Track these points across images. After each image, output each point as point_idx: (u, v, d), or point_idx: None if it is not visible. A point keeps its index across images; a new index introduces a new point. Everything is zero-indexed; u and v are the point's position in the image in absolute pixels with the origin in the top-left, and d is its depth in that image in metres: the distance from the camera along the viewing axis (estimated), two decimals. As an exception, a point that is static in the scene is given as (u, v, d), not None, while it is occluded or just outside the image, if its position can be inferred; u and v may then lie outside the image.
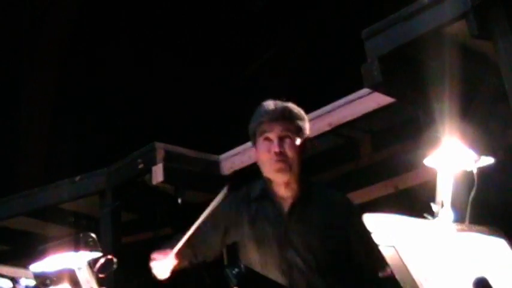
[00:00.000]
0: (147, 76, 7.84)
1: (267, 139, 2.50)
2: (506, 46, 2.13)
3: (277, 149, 2.46)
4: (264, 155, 2.51)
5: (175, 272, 2.53)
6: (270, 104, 2.56)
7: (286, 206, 2.50)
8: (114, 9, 8.08)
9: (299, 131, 2.51)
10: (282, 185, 2.51)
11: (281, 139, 2.48)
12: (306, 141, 2.54)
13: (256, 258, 2.46)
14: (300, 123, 2.53)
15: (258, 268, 2.42)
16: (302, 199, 2.50)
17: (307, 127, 2.56)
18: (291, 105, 2.56)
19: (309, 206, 2.50)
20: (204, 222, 2.51)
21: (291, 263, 2.42)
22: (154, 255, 2.56)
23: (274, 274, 2.41)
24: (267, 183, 2.55)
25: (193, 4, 7.76)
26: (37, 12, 8.35)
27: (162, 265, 2.53)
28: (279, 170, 2.47)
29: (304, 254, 2.41)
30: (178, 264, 2.54)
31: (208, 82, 7.30)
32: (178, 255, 2.51)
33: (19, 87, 8.43)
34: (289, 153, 2.47)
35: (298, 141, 2.49)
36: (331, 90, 3.84)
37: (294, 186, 2.51)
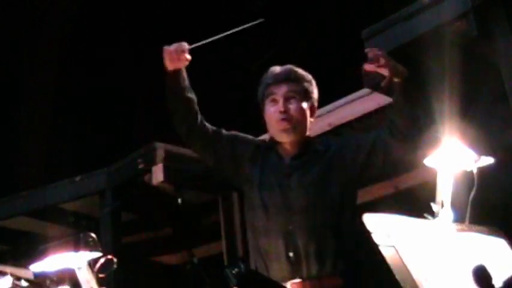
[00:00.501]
0: (147, 76, 7.84)
1: (273, 100, 2.55)
2: (506, 46, 2.13)
3: (282, 108, 2.50)
4: (270, 115, 2.55)
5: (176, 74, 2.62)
6: (276, 68, 2.63)
7: (288, 156, 2.53)
8: (114, 9, 8.07)
9: (306, 93, 2.55)
10: (287, 144, 2.54)
11: (286, 99, 2.52)
12: (313, 104, 2.58)
13: (259, 203, 2.48)
14: (306, 85, 2.56)
15: (260, 212, 2.47)
16: (304, 152, 2.53)
17: (314, 90, 2.59)
18: (297, 68, 2.60)
19: (310, 159, 2.52)
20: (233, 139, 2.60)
21: (290, 207, 2.44)
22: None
23: (274, 221, 2.44)
24: (273, 141, 2.59)
25: (193, 4, 7.76)
26: (37, 12, 8.35)
27: (174, 52, 2.65)
28: (283, 130, 2.51)
29: (301, 198, 2.44)
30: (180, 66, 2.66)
31: (208, 82, 7.30)
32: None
33: (19, 87, 8.42)
34: (294, 113, 2.50)
35: (304, 103, 2.52)
36: (331, 90, 3.83)
37: (298, 146, 2.53)
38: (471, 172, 2.27)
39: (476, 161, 2.26)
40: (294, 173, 2.50)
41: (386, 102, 3.31)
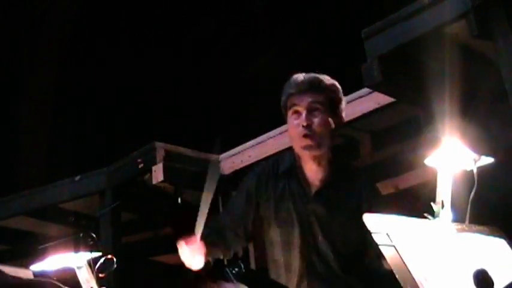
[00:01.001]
0: (147, 76, 7.84)
1: (296, 112, 2.37)
2: (506, 46, 2.13)
3: (304, 122, 2.31)
4: (292, 129, 2.39)
5: (210, 262, 2.38)
6: (299, 76, 2.43)
7: (313, 188, 2.37)
8: (114, 9, 8.07)
9: (331, 104, 2.38)
10: (311, 161, 2.37)
11: (310, 112, 2.34)
12: (340, 115, 2.40)
13: (278, 239, 2.36)
14: (331, 95, 2.39)
15: (278, 249, 2.35)
16: (331, 183, 2.36)
17: (342, 101, 2.42)
18: (322, 76, 2.42)
19: (338, 191, 2.36)
20: (234, 199, 2.45)
21: (310, 246, 2.33)
22: (179, 243, 2.34)
23: (294, 255, 2.33)
24: (296, 158, 2.42)
25: (193, 4, 7.76)
26: (37, 12, 8.35)
27: (189, 253, 2.32)
28: (306, 147, 2.33)
29: (324, 241, 2.32)
30: (207, 252, 2.34)
31: (208, 82, 7.30)
32: (206, 244, 2.33)
33: (19, 87, 8.42)
34: (318, 128, 2.33)
35: (329, 115, 2.36)
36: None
37: (324, 164, 2.37)
38: (471, 172, 2.27)
39: (476, 161, 2.26)
40: (318, 209, 2.34)
41: (387, 102, 3.32)
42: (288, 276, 2.35)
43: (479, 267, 1.57)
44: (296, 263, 2.34)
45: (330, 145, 2.39)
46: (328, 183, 2.38)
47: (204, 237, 2.32)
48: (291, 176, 2.41)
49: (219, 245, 2.45)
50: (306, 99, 2.36)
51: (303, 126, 2.33)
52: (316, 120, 2.35)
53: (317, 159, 2.38)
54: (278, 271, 2.39)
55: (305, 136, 2.33)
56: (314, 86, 2.39)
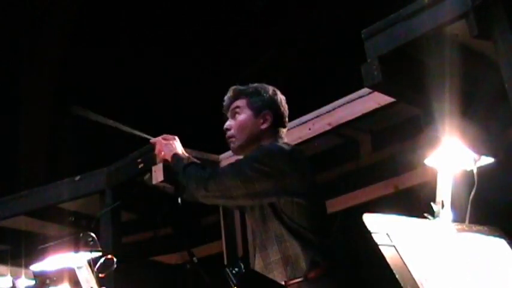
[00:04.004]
0: (147, 76, 7.85)
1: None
2: (506, 46, 2.13)
3: (225, 126, 2.55)
4: None
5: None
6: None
7: None
8: (114, 9, 8.07)
9: (248, 104, 2.54)
10: None
11: (231, 117, 2.57)
12: (261, 110, 2.53)
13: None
14: (244, 97, 2.56)
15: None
16: None
17: (258, 98, 2.55)
18: (234, 88, 2.61)
19: None
20: None
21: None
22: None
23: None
24: None
25: (193, 4, 7.76)
26: (37, 12, 8.35)
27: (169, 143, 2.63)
28: (231, 150, 2.57)
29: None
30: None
31: (208, 82, 7.30)
32: None
33: (19, 87, 8.42)
34: (234, 128, 2.54)
35: (244, 113, 2.52)
36: (331, 90, 3.83)
37: None
38: (471, 172, 2.27)
39: (476, 161, 2.26)
40: None
41: (387, 101, 3.32)
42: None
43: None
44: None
45: (256, 143, 2.50)
46: None
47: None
48: None
49: None
50: (228, 114, 2.60)
51: (224, 128, 2.56)
52: (233, 123, 2.55)
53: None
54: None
55: (227, 139, 2.55)
56: (230, 100, 2.60)
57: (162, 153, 2.66)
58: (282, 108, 2.60)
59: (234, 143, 2.54)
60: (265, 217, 2.33)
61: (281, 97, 2.62)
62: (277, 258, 2.28)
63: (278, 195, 2.28)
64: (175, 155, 2.60)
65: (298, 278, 2.20)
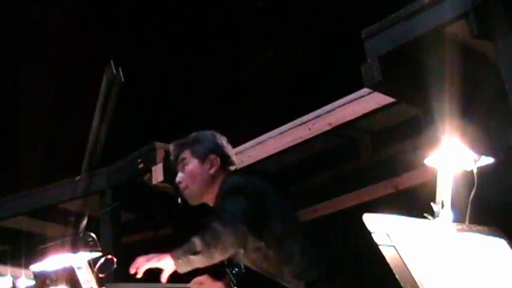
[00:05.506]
0: (146, 76, 7.84)
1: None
2: (506, 46, 2.13)
3: (176, 180, 2.64)
4: None
5: None
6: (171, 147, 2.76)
7: None
8: (115, 9, 8.08)
9: (192, 154, 2.64)
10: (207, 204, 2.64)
11: (180, 170, 2.65)
12: (205, 157, 2.62)
13: None
14: (186, 149, 2.65)
15: None
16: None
17: (200, 146, 2.65)
18: (174, 143, 2.71)
19: None
20: None
21: None
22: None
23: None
24: None
25: (193, 4, 7.76)
26: (37, 12, 8.35)
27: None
28: (188, 200, 2.65)
29: None
30: None
31: (208, 82, 7.30)
32: None
33: (19, 87, 8.42)
34: (185, 180, 2.62)
35: (191, 163, 2.62)
36: (331, 90, 3.84)
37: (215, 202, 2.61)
38: (471, 172, 2.27)
39: (476, 161, 2.26)
40: None
41: (387, 102, 3.32)
42: None
43: None
44: None
45: (210, 187, 2.60)
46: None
47: None
48: None
49: None
50: (177, 167, 2.68)
51: (176, 183, 2.66)
52: (182, 175, 2.64)
53: (207, 202, 2.64)
54: None
55: (182, 191, 2.64)
56: (175, 154, 2.69)
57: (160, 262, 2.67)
58: (226, 149, 2.69)
59: (189, 193, 2.62)
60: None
61: (222, 138, 2.71)
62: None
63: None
64: (172, 255, 2.63)
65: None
